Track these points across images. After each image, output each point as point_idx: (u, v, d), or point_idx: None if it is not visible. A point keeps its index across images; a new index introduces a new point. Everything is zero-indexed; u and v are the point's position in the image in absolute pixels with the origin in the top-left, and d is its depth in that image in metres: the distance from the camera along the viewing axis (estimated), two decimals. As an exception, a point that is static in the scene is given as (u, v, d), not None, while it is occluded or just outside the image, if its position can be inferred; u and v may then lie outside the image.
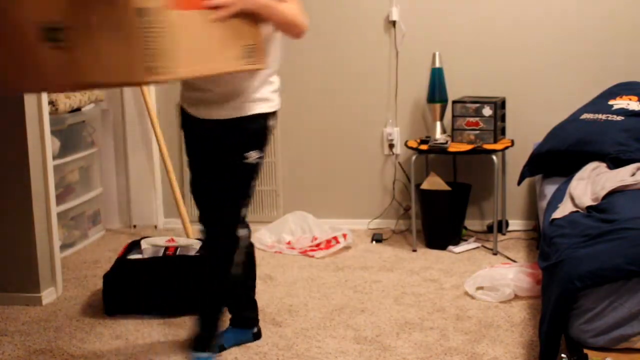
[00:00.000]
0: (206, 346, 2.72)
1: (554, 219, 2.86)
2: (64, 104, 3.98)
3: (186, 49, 2.05)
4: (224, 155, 2.56)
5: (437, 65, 4.19)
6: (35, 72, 2.10)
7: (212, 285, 2.72)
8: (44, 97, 3.45)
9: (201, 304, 2.77)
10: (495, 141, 4.05)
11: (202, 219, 2.70)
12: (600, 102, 3.85)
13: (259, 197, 4.64)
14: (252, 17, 2.31)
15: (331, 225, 4.35)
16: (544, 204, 3.31)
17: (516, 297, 3.34)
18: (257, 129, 2.56)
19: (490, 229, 4.32)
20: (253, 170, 2.58)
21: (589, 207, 2.86)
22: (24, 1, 2.06)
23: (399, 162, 4.48)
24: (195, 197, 2.73)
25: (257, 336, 2.99)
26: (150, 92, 4.52)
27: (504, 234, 4.34)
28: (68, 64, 2.02)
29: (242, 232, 2.64)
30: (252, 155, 2.55)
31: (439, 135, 4.19)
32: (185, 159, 2.87)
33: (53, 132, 3.78)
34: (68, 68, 2.03)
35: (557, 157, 3.70)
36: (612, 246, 2.40)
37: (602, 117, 3.70)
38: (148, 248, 3.44)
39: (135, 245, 3.49)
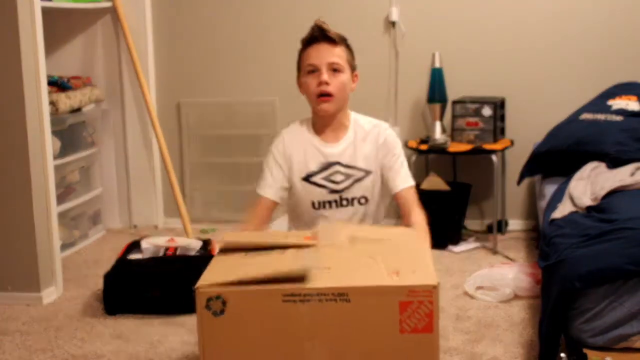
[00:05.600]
0: None
1: (553, 219, 2.86)
2: (64, 104, 3.98)
3: None
4: None
5: (437, 65, 4.19)
6: None
7: None
8: (45, 97, 3.46)
9: None
10: (495, 141, 4.05)
11: None
12: (599, 102, 3.85)
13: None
14: None
15: (331, 225, 4.34)
16: (543, 204, 3.32)
17: (516, 297, 3.34)
18: None
19: (490, 229, 4.32)
20: None
21: (588, 207, 2.87)
22: None
23: (399, 162, 4.47)
24: None
25: None
26: (151, 92, 4.52)
27: (503, 234, 4.34)
28: None
29: None
30: None
31: (438, 135, 4.19)
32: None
33: (53, 132, 3.78)
34: None
35: (557, 157, 3.70)
36: (611, 246, 2.40)
37: (602, 117, 3.70)
38: (148, 248, 3.45)
39: (135, 245, 3.49)
